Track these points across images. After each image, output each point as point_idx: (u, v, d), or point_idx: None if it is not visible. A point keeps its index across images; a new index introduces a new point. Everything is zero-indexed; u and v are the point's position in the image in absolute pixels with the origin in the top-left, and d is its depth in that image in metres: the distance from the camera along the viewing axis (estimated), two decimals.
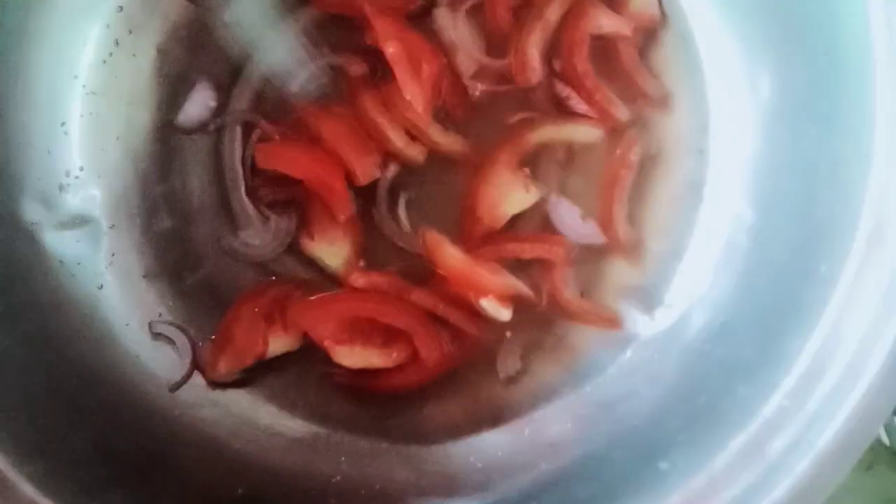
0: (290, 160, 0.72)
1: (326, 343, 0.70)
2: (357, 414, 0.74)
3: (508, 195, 0.73)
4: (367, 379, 0.72)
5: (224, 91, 0.76)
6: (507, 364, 0.74)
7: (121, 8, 0.73)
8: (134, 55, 0.74)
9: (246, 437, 0.71)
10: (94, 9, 0.73)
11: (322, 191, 0.72)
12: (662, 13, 0.74)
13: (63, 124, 0.72)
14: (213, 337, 0.74)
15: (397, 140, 0.73)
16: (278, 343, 0.73)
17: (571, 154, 0.75)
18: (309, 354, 0.73)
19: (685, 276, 0.72)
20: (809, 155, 0.62)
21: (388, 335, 0.72)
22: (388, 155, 0.74)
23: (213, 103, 0.75)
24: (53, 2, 0.70)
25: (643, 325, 0.72)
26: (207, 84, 0.75)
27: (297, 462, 0.71)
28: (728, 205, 0.71)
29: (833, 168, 0.59)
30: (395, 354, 0.72)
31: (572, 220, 0.75)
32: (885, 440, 1.01)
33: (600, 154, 0.75)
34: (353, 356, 0.71)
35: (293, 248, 0.75)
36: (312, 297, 0.73)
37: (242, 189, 0.75)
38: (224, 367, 0.73)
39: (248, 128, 0.75)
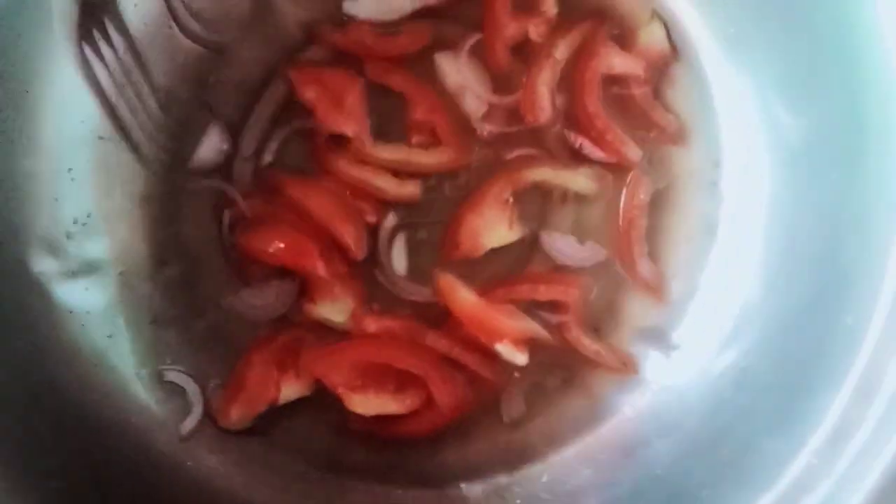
0: (264, 250, 0.72)
1: (340, 390, 0.69)
2: (370, 460, 0.73)
3: (492, 228, 0.72)
4: (382, 425, 0.71)
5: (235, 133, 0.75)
6: (511, 407, 0.73)
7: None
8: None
9: (258, 486, 0.70)
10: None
11: (304, 272, 0.72)
12: (673, 48, 0.73)
13: (70, 170, 0.71)
14: (225, 384, 0.73)
15: (386, 185, 0.73)
16: (291, 390, 0.72)
17: (566, 196, 0.75)
18: (321, 401, 0.72)
19: (701, 319, 0.71)
20: (831, 199, 0.61)
21: (401, 380, 0.71)
22: (386, 203, 0.73)
23: (225, 146, 0.74)
24: (60, 49, 0.69)
25: (659, 367, 0.71)
26: (218, 127, 0.74)
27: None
28: (743, 246, 0.70)
29: (856, 214, 0.58)
30: (409, 400, 0.71)
31: (570, 249, 0.74)
32: None
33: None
34: (367, 403, 0.70)
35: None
36: (325, 344, 0.72)
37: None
38: (236, 415, 0.72)
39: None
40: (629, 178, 0.74)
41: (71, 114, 0.71)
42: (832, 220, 0.60)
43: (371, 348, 0.71)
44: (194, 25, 0.73)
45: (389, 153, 0.73)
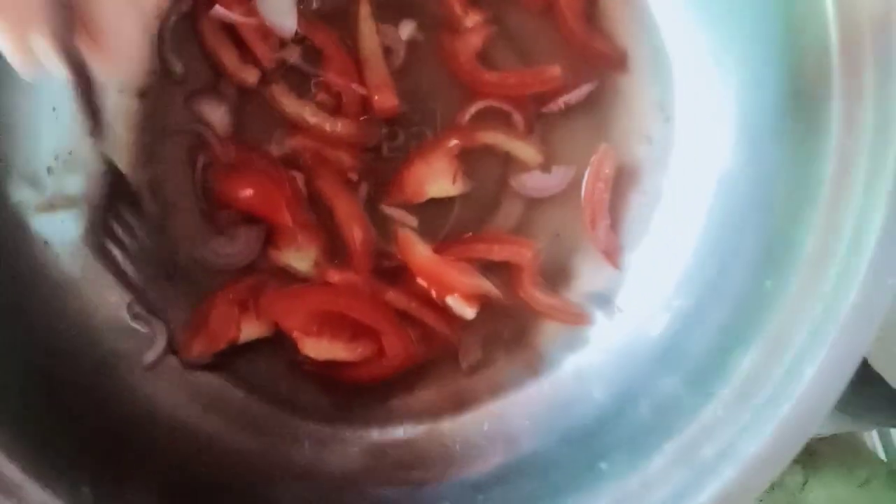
0: (234, 196, 0.76)
1: (295, 334, 0.73)
2: (322, 402, 0.77)
3: (436, 179, 0.76)
4: (333, 369, 0.75)
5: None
6: (469, 354, 0.77)
7: None
8: None
9: (211, 418, 0.74)
10: None
11: (270, 220, 0.76)
12: None
13: (54, 109, 0.75)
14: (190, 320, 0.76)
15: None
16: (251, 329, 0.76)
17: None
18: (279, 343, 0.76)
19: (643, 283, 0.74)
20: (768, 166, 0.63)
21: (355, 330, 0.74)
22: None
23: None
24: None
25: (603, 329, 0.74)
26: None
27: (262, 445, 0.74)
28: (687, 213, 0.72)
29: (789, 183, 0.61)
30: (360, 349, 0.74)
31: (537, 181, 0.78)
32: (882, 456, 1.02)
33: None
34: (319, 348, 0.73)
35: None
36: (285, 289, 0.75)
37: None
38: (197, 349, 0.75)
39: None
40: (599, 150, 0.76)
41: None
42: (767, 187, 0.63)
43: (328, 296, 0.75)
44: None
45: (294, 107, 0.76)
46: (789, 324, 0.56)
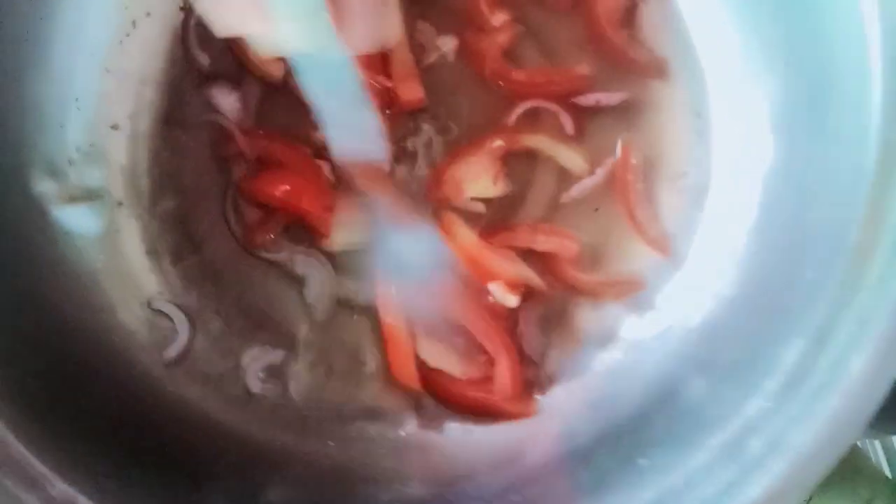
0: (270, 193, 0.74)
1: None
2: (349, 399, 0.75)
3: (477, 178, 0.74)
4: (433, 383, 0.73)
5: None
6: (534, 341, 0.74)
7: None
8: (150, 37, 0.76)
9: (234, 411, 0.72)
10: None
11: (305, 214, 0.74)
12: None
13: (77, 100, 0.74)
14: None
15: None
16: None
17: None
18: (303, 343, 0.75)
19: (677, 282, 0.73)
20: (804, 161, 0.63)
21: (471, 348, 0.72)
22: None
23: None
24: None
25: (633, 327, 0.73)
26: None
27: (287, 441, 0.72)
28: (733, 210, 0.71)
29: (825, 175, 0.60)
30: (471, 368, 0.72)
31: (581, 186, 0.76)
32: (888, 472, 1.00)
33: None
34: (433, 352, 0.72)
35: None
36: None
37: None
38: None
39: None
40: (620, 142, 0.75)
41: (81, 46, 0.74)
42: (805, 180, 0.62)
43: (456, 305, 0.72)
44: None
45: None
46: (835, 315, 0.54)
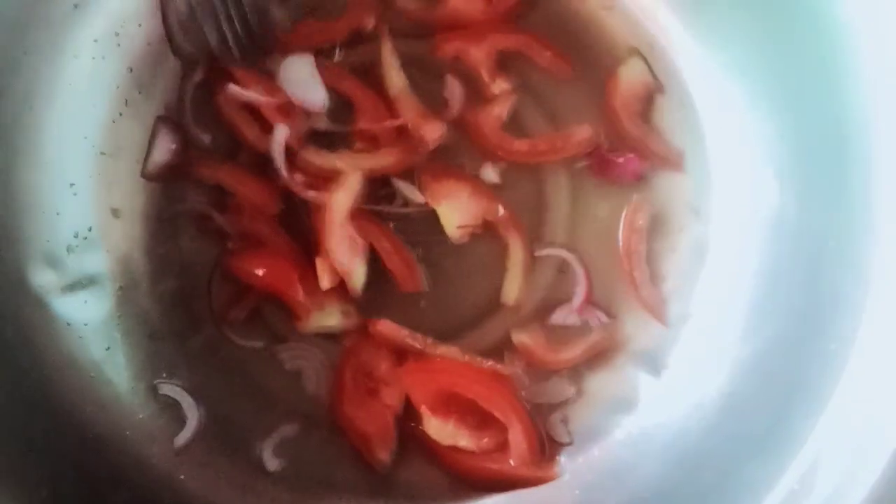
0: (250, 273, 0.73)
1: (422, 408, 0.70)
2: (360, 476, 0.73)
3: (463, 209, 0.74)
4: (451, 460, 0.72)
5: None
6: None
7: (130, 69, 0.74)
8: (142, 115, 0.75)
9: (249, 499, 0.71)
10: (105, 70, 0.73)
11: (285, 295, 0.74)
12: (657, 80, 0.75)
13: (72, 185, 0.72)
14: None
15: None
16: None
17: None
18: (313, 420, 0.73)
19: (692, 342, 0.72)
20: (817, 227, 0.63)
21: (483, 420, 0.71)
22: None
23: (173, 146, 0.74)
24: (63, 65, 0.70)
25: (651, 391, 0.72)
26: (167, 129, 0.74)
27: None
28: (734, 271, 0.71)
29: (840, 244, 0.60)
30: (485, 440, 0.71)
31: None
32: None
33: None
34: (444, 431, 0.70)
35: None
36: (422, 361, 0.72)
37: None
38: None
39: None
40: (630, 203, 0.75)
41: (74, 130, 0.72)
42: (817, 246, 0.62)
43: (461, 380, 0.71)
44: None
45: (328, 162, 0.74)
46: (859, 387, 0.54)
